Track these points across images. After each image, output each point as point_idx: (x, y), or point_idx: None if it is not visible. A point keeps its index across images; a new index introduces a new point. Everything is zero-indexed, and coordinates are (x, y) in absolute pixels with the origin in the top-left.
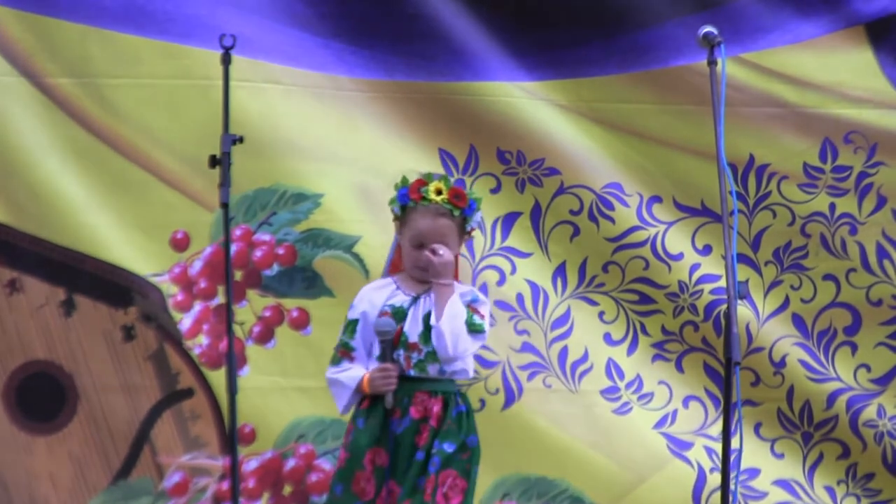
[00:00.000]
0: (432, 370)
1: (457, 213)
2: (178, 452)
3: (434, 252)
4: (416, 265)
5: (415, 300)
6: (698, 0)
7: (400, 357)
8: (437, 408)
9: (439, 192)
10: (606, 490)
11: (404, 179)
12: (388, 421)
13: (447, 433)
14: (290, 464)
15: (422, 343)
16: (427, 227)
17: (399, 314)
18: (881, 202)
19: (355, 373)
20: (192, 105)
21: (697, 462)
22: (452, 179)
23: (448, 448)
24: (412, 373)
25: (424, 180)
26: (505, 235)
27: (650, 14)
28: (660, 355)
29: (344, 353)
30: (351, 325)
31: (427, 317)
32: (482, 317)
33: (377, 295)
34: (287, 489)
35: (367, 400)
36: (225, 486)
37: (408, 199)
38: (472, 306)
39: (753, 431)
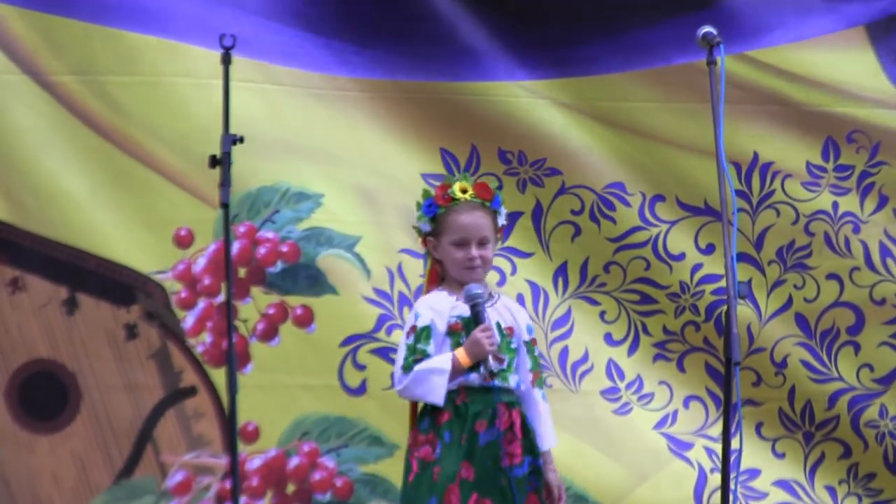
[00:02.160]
0: (512, 381)
1: (488, 205)
2: (181, 451)
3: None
4: (465, 265)
5: (486, 302)
6: None
7: (491, 366)
8: (518, 419)
9: (465, 191)
10: (609, 489)
11: (426, 192)
12: (475, 433)
13: (534, 449)
14: (294, 462)
15: (501, 352)
16: (468, 220)
17: (469, 326)
18: (883, 201)
19: (442, 356)
20: (194, 103)
21: (698, 462)
22: (472, 178)
23: (538, 463)
24: (496, 383)
25: (447, 184)
26: (506, 236)
27: (653, 12)
28: (661, 355)
29: (419, 360)
30: (425, 332)
31: (498, 326)
32: (536, 344)
33: (439, 305)
34: (290, 487)
35: (448, 413)
36: (228, 484)
37: (436, 208)
38: (533, 340)
39: (755, 431)
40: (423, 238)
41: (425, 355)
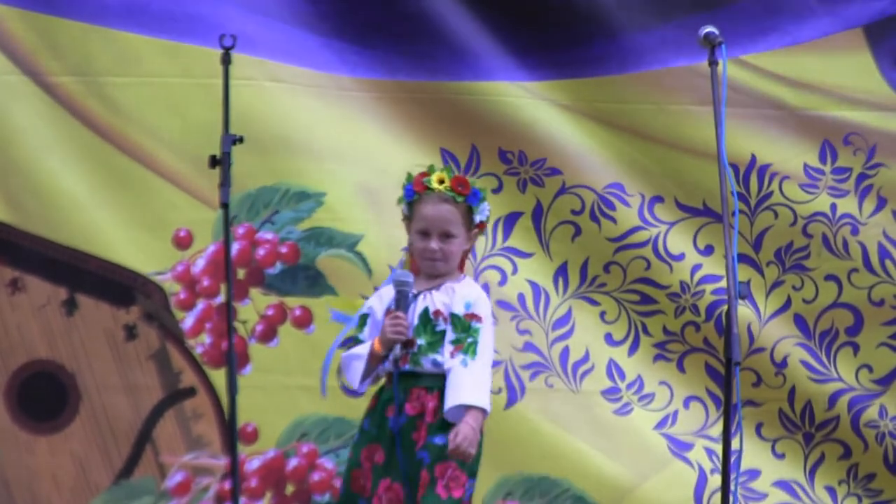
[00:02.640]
0: (426, 363)
1: (460, 199)
2: (181, 452)
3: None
4: (423, 255)
5: (415, 297)
6: (698, 1)
7: (398, 353)
8: (432, 403)
9: (442, 182)
10: (608, 490)
11: (409, 176)
12: (385, 418)
13: (441, 427)
14: (293, 463)
15: (416, 337)
16: (430, 212)
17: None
18: (881, 203)
19: (366, 343)
20: (194, 103)
21: (698, 463)
22: (455, 171)
23: (439, 441)
24: (407, 367)
25: (427, 172)
26: (506, 235)
27: (651, 15)
28: (661, 355)
29: (352, 346)
30: (361, 320)
31: (424, 312)
32: (479, 320)
33: (387, 292)
34: (289, 488)
35: (374, 399)
36: (227, 485)
37: (413, 194)
38: (468, 314)
39: (755, 431)
40: (404, 220)
41: (357, 342)
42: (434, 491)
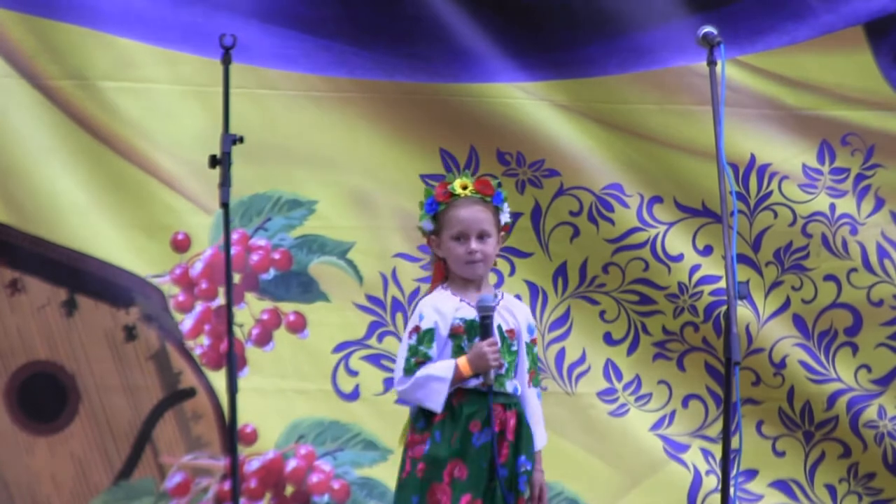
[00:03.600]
0: (509, 386)
1: (488, 200)
2: (180, 453)
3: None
4: (464, 259)
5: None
6: (697, 2)
7: (491, 379)
8: (512, 421)
9: (465, 187)
10: (601, 493)
11: (427, 190)
12: (469, 433)
13: (526, 448)
14: (292, 464)
15: (502, 358)
16: (466, 214)
17: (472, 328)
18: (879, 204)
19: (444, 363)
20: (190, 110)
21: (693, 465)
22: (472, 176)
23: (529, 465)
24: (493, 387)
25: (447, 181)
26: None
27: (650, 15)
28: (661, 354)
29: (421, 362)
30: (428, 335)
31: (499, 329)
32: (535, 343)
33: (444, 306)
34: (289, 489)
35: (443, 412)
36: (227, 486)
37: (437, 205)
38: (533, 339)
39: (755, 429)
40: (428, 237)
41: (427, 359)
42: None
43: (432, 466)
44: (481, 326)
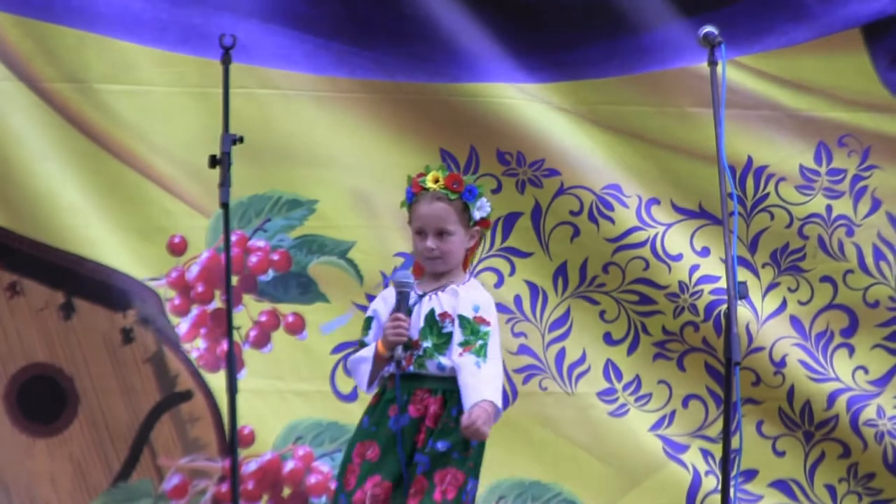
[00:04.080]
0: (431, 366)
1: (453, 196)
2: (178, 455)
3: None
4: (422, 255)
5: (420, 298)
6: (695, 3)
7: (401, 355)
8: (434, 407)
9: (436, 181)
10: (600, 494)
11: (409, 179)
12: (387, 417)
13: (442, 432)
14: (289, 466)
15: (422, 339)
16: (424, 211)
17: (408, 313)
18: (876, 205)
19: (371, 346)
20: (187, 112)
21: (693, 465)
22: (453, 170)
23: (441, 447)
24: (412, 369)
25: (424, 173)
26: (506, 236)
27: (648, 17)
28: (661, 354)
29: (358, 349)
30: (366, 323)
31: (430, 314)
32: (487, 323)
33: (390, 294)
34: (286, 491)
35: (375, 398)
36: (224, 488)
37: (412, 196)
38: (477, 317)
39: (755, 429)
40: (410, 224)
41: (363, 345)
42: (431, 497)
43: (347, 449)
44: (395, 302)
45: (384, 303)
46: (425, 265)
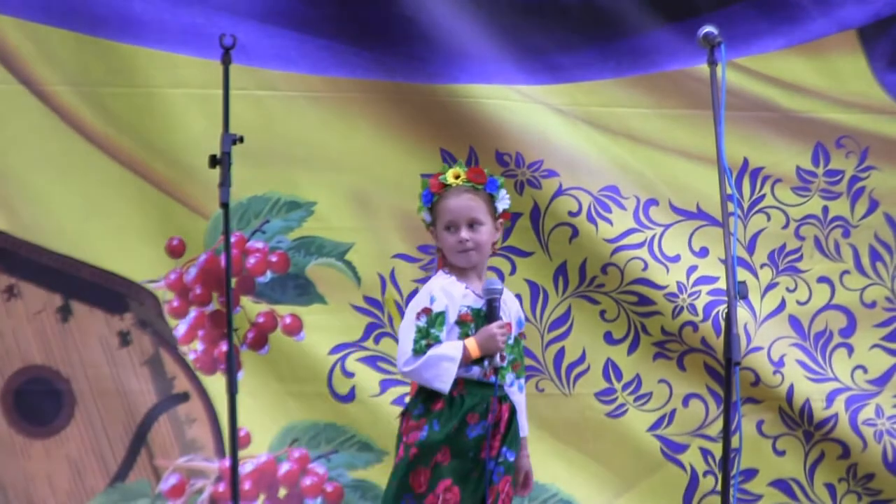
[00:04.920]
0: (509, 378)
1: (479, 187)
2: (175, 455)
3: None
4: (456, 248)
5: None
6: (692, 5)
7: (497, 361)
8: (507, 415)
9: (457, 177)
10: (596, 495)
11: (424, 182)
12: (465, 424)
13: (512, 441)
14: (285, 467)
15: (506, 350)
16: (454, 204)
17: (478, 318)
18: (873, 206)
19: (453, 343)
20: (187, 114)
21: (691, 465)
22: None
23: (510, 457)
24: (494, 379)
25: (441, 172)
26: (506, 235)
27: (645, 19)
28: (661, 353)
29: (431, 345)
30: (440, 318)
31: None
32: (524, 337)
33: (453, 291)
34: (282, 492)
35: (442, 402)
36: (221, 487)
37: (432, 196)
38: (521, 333)
39: (756, 428)
40: (428, 228)
41: (437, 341)
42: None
43: (424, 452)
44: (489, 309)
45: (451, 300)
46: (458, 259)
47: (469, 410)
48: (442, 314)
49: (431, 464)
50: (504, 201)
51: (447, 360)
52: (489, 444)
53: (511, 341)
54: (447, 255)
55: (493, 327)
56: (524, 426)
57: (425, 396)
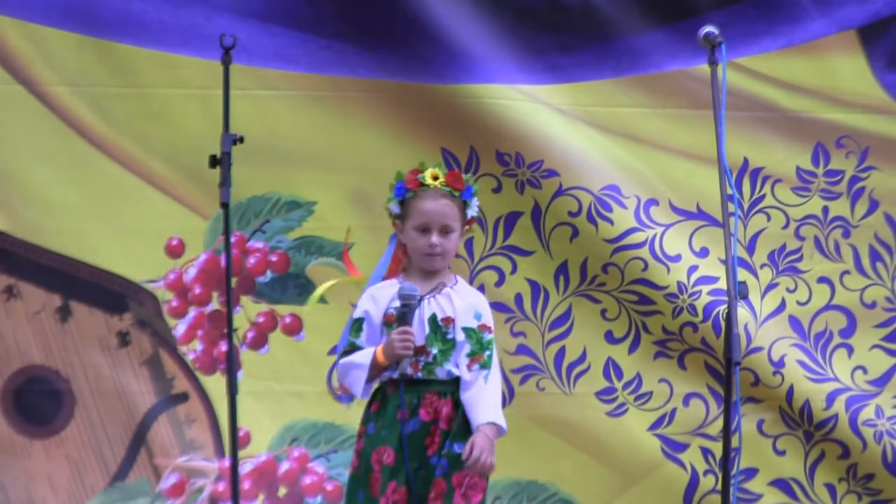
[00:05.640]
0: (440, 373)
1: (457, 194)
2: (175, 454)
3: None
4: (424, 251)
5: (419, 301)
6: (692, 5)
7: (404, 366)
8: (446, 409)
9: (436, 178)
10: (596, 494)
11: (399, 174)
12: (398, 422)
13: (457, 434)
14: (285, 466)
15: (429, 346)
16: (431, 207)
17: (401, 318)
18: (873, 206)
19: (366, 351)
20: (187, 114)
21: (691, 464)
22: (446, 169)
23: (457, 449)
24: (420, 376)
25: (420, 169)
26: (507, 234)
27: (645, 19)
28: (662, 353)
29: (349, 351)
30: (357, 325)
31: (433, 319)
32: (490, 331)
33: (381, 294)
34: (282, 491)
35: (376, 404)
36: (220, 486)
37: (406, 191)
38: (481, 325)
39: (756, 428)
40: (393, 220)
41: (354, 347)
42: (452, 500)
43: (363, 459)
44: (398, 314)
45: (374, 303)
46: (424, 262)
47: (397, 408)
48: (360, 320)
49: (377, 467)
50: (473, 209)
51: (356, 367)
52: (428, 439)
53: (449, 335)
54: (412, 255)
55: (394, 334)
56: (477, 415)
57: (370, 399)
